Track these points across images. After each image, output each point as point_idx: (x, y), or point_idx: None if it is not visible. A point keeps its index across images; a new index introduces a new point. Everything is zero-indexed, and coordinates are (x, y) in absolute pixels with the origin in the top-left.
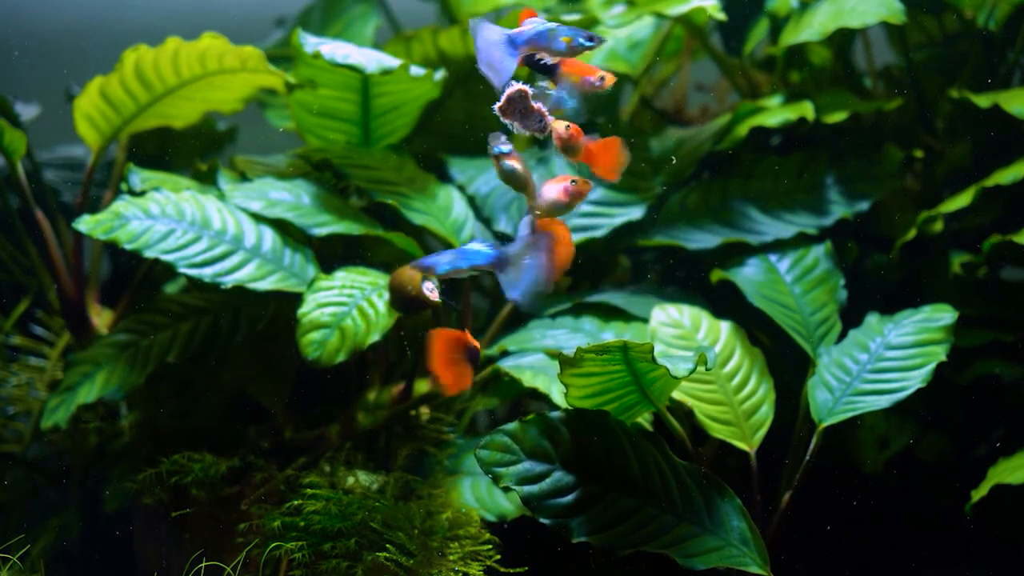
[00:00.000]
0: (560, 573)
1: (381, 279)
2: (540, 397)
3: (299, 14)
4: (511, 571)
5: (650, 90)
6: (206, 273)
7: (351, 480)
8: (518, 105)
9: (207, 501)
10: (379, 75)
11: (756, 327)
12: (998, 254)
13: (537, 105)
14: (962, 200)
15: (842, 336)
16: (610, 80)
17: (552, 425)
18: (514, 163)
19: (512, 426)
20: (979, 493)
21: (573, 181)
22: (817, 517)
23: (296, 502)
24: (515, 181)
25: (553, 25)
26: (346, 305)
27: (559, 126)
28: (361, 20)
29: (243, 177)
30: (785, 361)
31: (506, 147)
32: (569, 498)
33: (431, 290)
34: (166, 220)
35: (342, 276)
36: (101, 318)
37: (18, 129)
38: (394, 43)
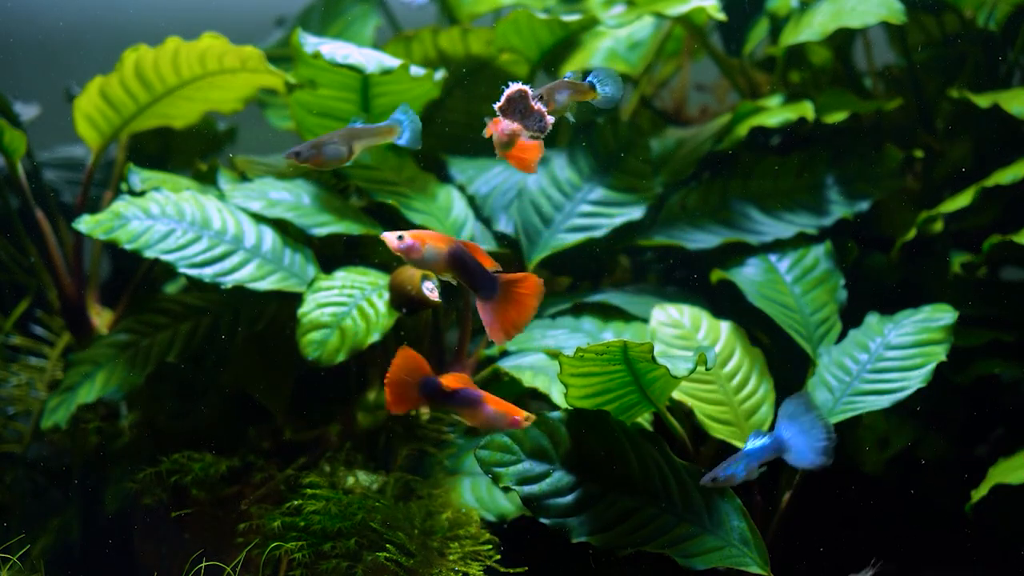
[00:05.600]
0: (560, 573)
1: (381, 279)
2: (540, 397)
3: (299, 14)
4: (511, 571)
5: (650, 90)
6: (206, 273)
7: (351, 480)
8: (518, 105)
9: (207, 501)
10: (379, 75)
11: (756, 327)
12: (998, 254)
13: (537, 105)
14: (962, 200)
15: (842, 336)
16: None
17: (552, 425)
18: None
19: None
20: (979, 493)
21: None
22: (817, 517)
23: (296, 502)
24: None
25: None
26: (346, 305)
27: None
28: (361, 20)
29: (243, 177)
30: (785, 361)
31: None
32: (569, 498)
33: (431, 290)
34: (166, 220)
35: (342, 276)
36: (101, 318)
37: (18, 129)
38: (394, 43)
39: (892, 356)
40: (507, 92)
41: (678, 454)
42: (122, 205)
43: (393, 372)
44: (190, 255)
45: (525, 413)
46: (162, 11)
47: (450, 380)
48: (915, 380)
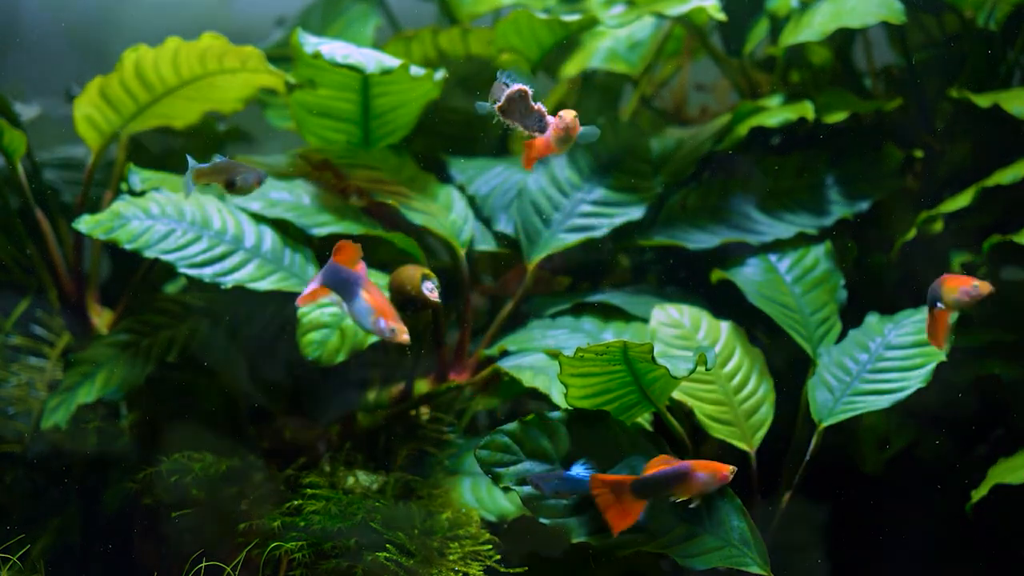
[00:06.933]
0: (560, 573)
1: (381, 279)
2: (540, 397)
3: (299, 14)
4: (511, 571)
5: (650, 90)
6: (206, 273)
7: (351, 480)
8: (518, 105)
9: (207, 501)
10: (379, 75)
11: (756, 327)
12: (998, 254)
13: (537, 105)
14: (962, 200)
15: (842, 336)
16: None
17: (552, 425)
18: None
19: (512, 426)
20: (979, 493)
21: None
22: (817, 517)
23: (296, 502)
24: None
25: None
26: None
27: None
28: (361, 20)
29: None
30: (785, 361)
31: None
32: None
33: (431, 290)
34: (166, 220)
35: None
36: (101, 318)
37: (18, 129)
38: (394, 43)
39: (892, 356)
40: (507, 92)
41: (678, 454)
42: (122, 205)
43: (606, 498)
44: (190, 255)
45: (729, 467)
46: (162, 11)
47: (655, 466)
48: (915, 380)
